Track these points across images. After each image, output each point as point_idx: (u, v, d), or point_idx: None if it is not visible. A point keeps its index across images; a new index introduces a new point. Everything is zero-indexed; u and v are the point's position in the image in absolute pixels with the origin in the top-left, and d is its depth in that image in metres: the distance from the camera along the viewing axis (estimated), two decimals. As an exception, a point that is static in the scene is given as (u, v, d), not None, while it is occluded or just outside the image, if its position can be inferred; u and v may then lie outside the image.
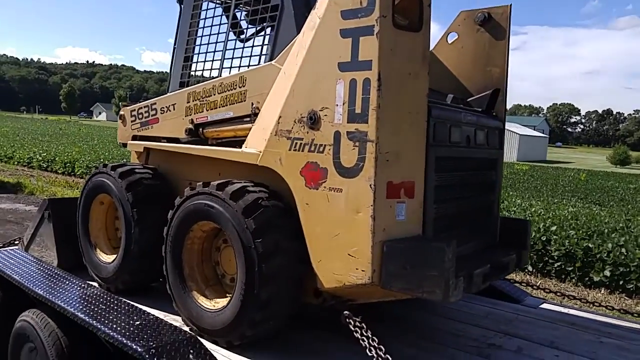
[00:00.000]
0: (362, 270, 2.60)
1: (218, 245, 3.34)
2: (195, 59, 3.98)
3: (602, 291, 7.76)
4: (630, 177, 31.64)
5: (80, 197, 4.21)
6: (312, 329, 3.38)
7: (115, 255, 3.97)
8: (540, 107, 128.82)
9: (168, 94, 4.05)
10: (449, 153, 3.00)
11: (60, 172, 19.62)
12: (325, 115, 2.72)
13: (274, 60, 3.18)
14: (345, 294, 2.93)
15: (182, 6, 4.06)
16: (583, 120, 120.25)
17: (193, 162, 3.81)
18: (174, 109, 3.90)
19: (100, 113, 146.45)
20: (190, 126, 3.73)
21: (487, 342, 3.28)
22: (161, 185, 3.88)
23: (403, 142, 2.65)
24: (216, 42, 3.76)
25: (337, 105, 2.66)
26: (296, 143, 2.88)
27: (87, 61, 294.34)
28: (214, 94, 3.55)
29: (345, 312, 2.83)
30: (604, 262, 7.73)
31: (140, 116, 4.24)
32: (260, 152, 3.09)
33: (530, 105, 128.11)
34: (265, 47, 3.47)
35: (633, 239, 8.37)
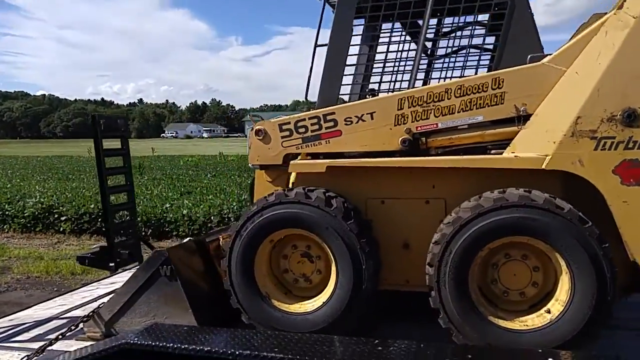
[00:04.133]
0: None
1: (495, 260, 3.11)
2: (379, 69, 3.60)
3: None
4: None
5: (235, 239, 3.36)
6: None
7: (313, 302, 3.32)
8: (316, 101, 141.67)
9: (350, 102, 3.49)
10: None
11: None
12: (647, 111, 2.82)
13: (546, 61, 3.10)
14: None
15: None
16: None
17: (391, 177, 3.42)
18: (371, 119, 3.39)
19: None
20: (407, 136, 3.31)
21: None
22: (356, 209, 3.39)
23: None
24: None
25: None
26: (605, 142, 2.92)
27: None
28: (448, 98, 3.25)
29: None
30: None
31: (302, 130, 3.52)
32: (546, 155, 3.00)
33: (308, 100, 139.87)
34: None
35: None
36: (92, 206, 13.34)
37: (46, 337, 3.76)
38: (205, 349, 2.76)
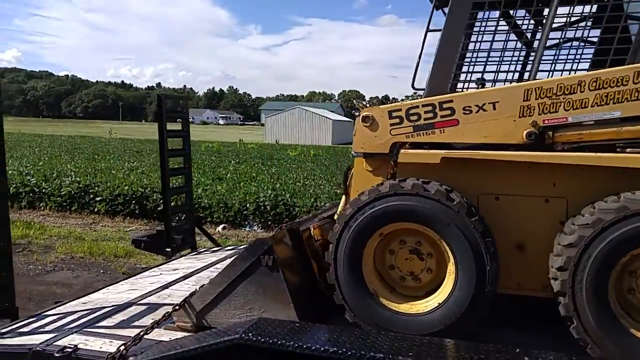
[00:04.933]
0: None
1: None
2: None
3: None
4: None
5: (343, 231, 3.17)
6: None
7: (425, 303, 3.14)
8: (332, 93, 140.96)
9: (470, 90, 3.28)
10: None
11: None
12: None
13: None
14: None
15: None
16: (368, 105, 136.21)
17: (508, 172, 3.22)
18: (494, 109, 3.17)
19: None
20: (533, 129, 3.09)
21: None
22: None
23: None
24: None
25: None
26: None
27: None
28: (581, 91, 3.01)
29: None
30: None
31: (414, 118, 3.31)
32: None
33: (324, 92, 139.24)
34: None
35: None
36: (126, 187, 13.30)
37: (133, 324, 3.63)
38: (331, 350, 2.60)
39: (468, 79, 3.57)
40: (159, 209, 12.33)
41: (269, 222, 12.07)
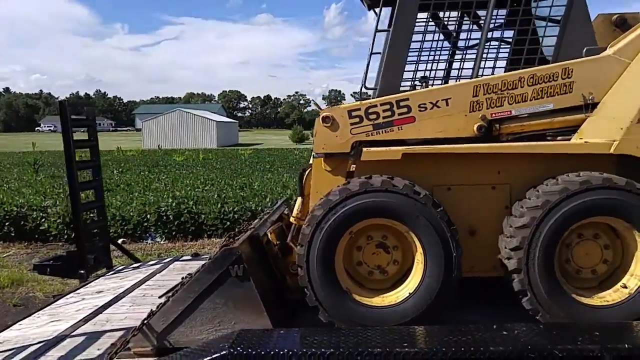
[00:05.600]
0: None
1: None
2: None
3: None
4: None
5: (315, 232, 3.18)
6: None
7: (396, 294, 3.27)
8: (211, 94, 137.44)
9: (422, 89, 3.43)
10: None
11: None
12: None
13: (612, 53, 3.31)
14: None
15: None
16: (250, 106, 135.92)
17: (458, 164, 3.47)
18: (446, 105, 3.37)
19: None
20: (482, 123, 3.36)
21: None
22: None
23: None
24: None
25: None
26: None
27: None
28: (521, 86, 3.34)
29: None
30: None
31: (373, 116, 3.39)
32: (613, 140, 3.24)
33: (202, 92, 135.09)
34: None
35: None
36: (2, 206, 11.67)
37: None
38: (328, 352, 2.56)
39: (411, 77, 3.73)
40: (41, 228, 11.05)
41: (174, 233, 11.42)
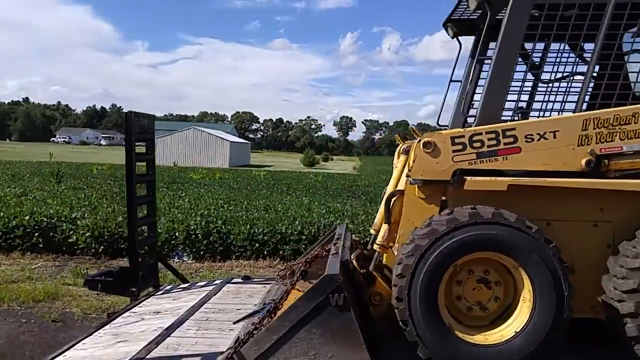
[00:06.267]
0: None
1: None
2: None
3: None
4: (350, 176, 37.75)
5: (419, 263, 3.03)
6: None
7: (500, 332, 3.10)
8: (224, 114, 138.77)
9: (527, 120, 3.34)
10: None
11: None
12: None
13: None
14: None
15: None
16: (262, 128, 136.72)
17: (560, 198, 3.33)
18: (554, 137, 3.26)
19: None
20: (591, 157, 3.23)
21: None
22: None
23: None
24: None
25: None
26: None
27: None
28: (635, 122, 3.23)
29: None
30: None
31: (477, 144, 3.28)
32: None
33: (216, 112, 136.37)
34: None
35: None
36: (26, 218, 11.62)
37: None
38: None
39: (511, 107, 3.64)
40: (69, 240, 10.93)
41: (202, 252, 11.25)
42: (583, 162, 3.24)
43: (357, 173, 41.26)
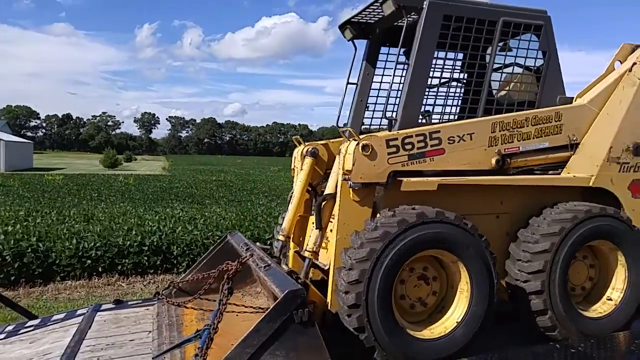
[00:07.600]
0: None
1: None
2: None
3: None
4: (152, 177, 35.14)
5: (375, 268, 3.08)
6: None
7: (442, 325, 3.36)
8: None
9: (454, 122, 3.57)
10: None
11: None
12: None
13: (586, 102, 3.93)
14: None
15: None
16: (44, 124, 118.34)
17: (471, 194, 3.72)
18: (470, 139, 3.57)
19: None
20: (498, 157, 3.65)
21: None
22: None
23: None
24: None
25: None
26: (624, 166, 3.98)
27: None
28: (527, 126, 3.73)
29: None
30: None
31: (409, 147, 3.38)
32: (592, 175, 3.87)
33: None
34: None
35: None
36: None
37: None
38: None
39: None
40: None
41: (13, 277, 9.30)
42: (493, 161, 3.62)
43: (169, 174, 39.12)
